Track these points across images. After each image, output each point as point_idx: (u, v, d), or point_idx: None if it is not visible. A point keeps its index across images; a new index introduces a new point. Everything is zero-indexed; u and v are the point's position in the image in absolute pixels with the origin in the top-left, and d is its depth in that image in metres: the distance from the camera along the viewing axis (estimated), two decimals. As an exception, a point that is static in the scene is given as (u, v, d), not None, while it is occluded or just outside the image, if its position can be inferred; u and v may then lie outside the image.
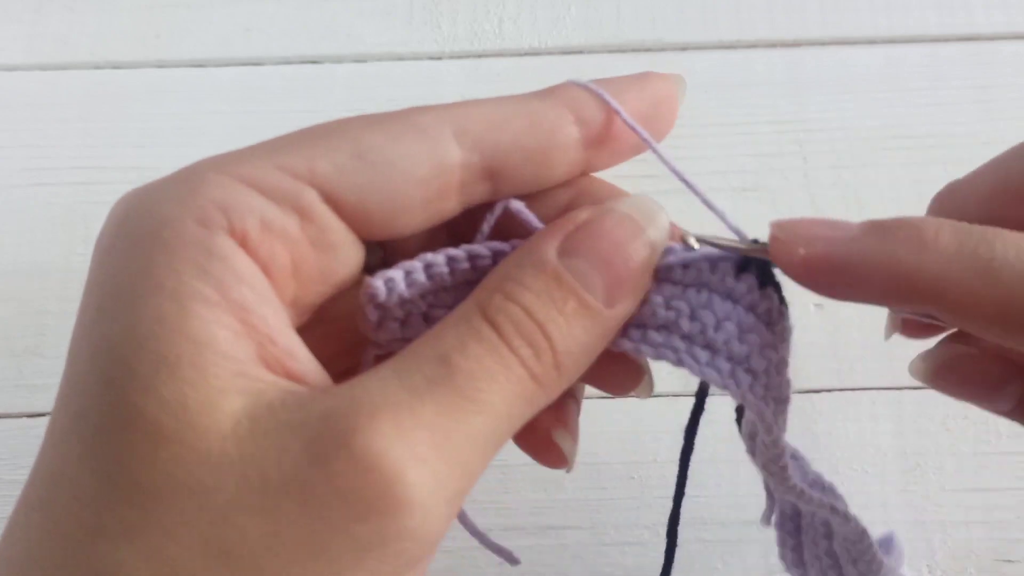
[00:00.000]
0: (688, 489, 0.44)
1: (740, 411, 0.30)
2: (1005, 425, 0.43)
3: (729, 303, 0.27)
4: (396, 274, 0.26)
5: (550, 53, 0.54)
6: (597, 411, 0.45)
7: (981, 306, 0.24)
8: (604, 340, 0.26)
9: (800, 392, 0.30)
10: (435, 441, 0.22)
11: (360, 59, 0.54)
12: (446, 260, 0.27)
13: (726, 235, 0.28)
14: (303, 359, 0.24)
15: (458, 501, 0.23)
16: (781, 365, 0.27)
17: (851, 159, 0.50)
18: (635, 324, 0.27)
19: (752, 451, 0.30)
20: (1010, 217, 0.26)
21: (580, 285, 0.25)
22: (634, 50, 0.54)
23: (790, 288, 0.28)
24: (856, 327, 0.46)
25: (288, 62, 0.55)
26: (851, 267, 0.25)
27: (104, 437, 0.22)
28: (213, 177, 0.24)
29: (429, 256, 0.27)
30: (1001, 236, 0.24)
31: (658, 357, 0.27)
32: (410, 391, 0.22)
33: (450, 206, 0.26)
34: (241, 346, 0.22)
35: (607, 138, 0.28)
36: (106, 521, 0.21)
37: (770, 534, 0.43)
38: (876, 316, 0.33)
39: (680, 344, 0.27)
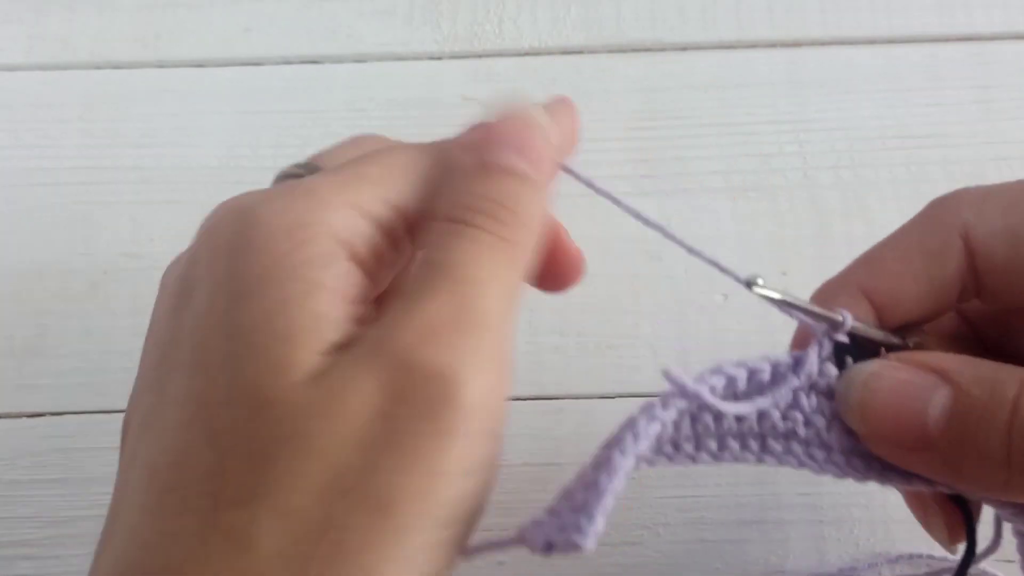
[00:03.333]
0: (688, 489, 0.44)
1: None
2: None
3: (793, 393, 0.29)
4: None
5: (550, 53, 0.54)
6: (597, 411, 0.45)
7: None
8: (545, 201, 0.29)
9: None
10: (458, 329, 0.25)
11: (360, 59, 0.54)
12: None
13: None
14: None
15: (500, 361, 0.26)
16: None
17: (851, 159, 0.50)
18: (734, 435, 0.29)
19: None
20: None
21: (504, 165, 0.28)
22: (634, 50, 0.54)
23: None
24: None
25: (288, 62, 0.55)
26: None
27: (223, 413, 0.24)
28: (338, 203, 0.27)
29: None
30: None
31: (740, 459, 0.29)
32: (426, 302, 0.25)
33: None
34: (344, 326, 0.26)
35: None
36: (232, 491, 0.23)
37: (770, 534, 0.43)
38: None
39: (753, 444, 0.29)
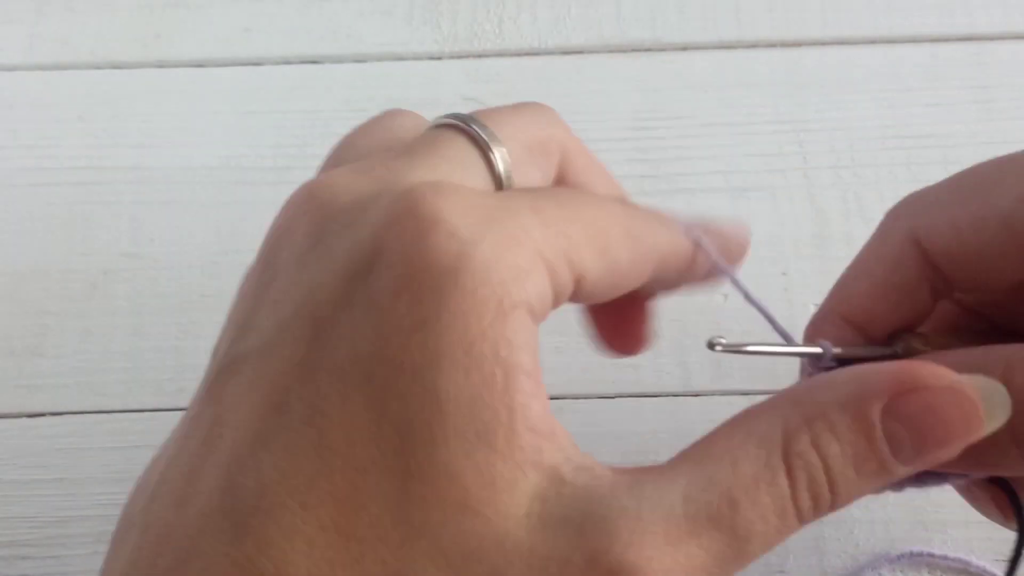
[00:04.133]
0: (688, 489, 0.44)
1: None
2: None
3: None
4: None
5: (550, 53, 0.54)
6: (597, 411, 0.45)
7: None
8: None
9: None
10: None
11: (360, 59, 0.54)
12: None
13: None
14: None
15: None
16: None
17: (851, 159, 0.50)
18: None
19: None
20: None
21: (890, 450, 0.24)
22: (634, 50, 0.54)
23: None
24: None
25: (288, 62, 0.55)
26: None
27: (414, 490, 0.22)
28: (542, 264, 0.23)
29: None
30: None
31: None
32: (690, 523, 0.23)
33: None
34: (546, 420, 0.23)
35: None
36: (409, 573, 0.22)
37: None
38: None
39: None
